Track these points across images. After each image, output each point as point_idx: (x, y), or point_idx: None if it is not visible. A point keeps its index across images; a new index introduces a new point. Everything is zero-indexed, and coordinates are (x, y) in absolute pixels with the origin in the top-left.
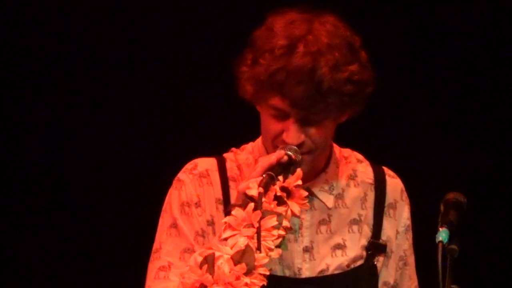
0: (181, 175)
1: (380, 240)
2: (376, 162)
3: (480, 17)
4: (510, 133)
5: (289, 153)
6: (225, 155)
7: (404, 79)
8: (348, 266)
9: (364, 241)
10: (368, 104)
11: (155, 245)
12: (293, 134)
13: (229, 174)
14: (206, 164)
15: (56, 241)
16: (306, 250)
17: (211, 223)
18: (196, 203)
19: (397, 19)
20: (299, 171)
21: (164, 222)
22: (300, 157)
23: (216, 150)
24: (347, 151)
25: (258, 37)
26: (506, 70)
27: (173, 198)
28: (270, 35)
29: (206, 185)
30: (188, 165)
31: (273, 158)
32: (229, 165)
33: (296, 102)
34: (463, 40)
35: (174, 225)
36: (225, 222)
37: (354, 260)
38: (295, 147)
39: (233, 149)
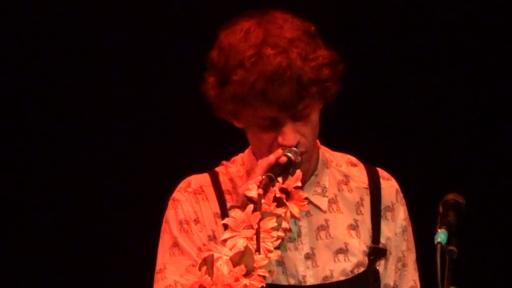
0: (175, 194)
1: (380, 245)
2: (372, 163)
3: (483, 18)
4: (510, 134)
5: (289, 154)
6: (217, 169)
7: (401, 79)
8: (352, 271)
9: (364, 247)
10: (366, 105)
11: (158, 266)
12: (289, 136)
13: (223, 187)
14: (200, 180)
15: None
16: (308, 257)
17: (212, 237)
18: (194, 220)
19: (394, 18)
20: (298, 172)
21: (164, 242)
22: (300, 158)
23: (208, 165)
24: (337, 154)
25: (218, 57)
26: (507, 69)
27: (171, 217)
28: (232, 51)
29: (202, 201)
30: (182, 184)
31: (271, 158)
32: (222, 178)
33: (283, 104)
34: (461, 39)
35: (176, 244)
36: (225, 224)
37: (357, 265)
38: (294, 149)
39: (224, 162)
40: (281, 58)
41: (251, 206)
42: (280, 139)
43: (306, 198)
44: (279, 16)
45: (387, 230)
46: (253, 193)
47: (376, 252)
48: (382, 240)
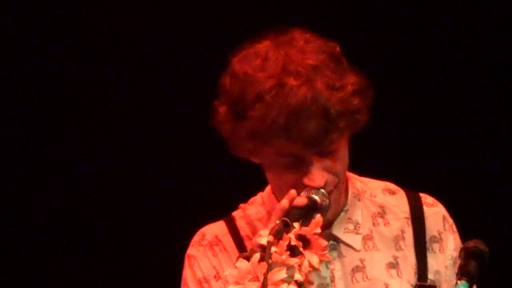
0: (190, 250)
1: (428, 281)
2: (413, 189)
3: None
4: None
5: (315, 197)
6: (234, 213)
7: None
8: None
9: (408, 286)
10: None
11: None
12: (316, 176)
13: (242, 233)
14: (214, 230)
15: None
16: None
17: None
18: (214, 276)
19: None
20: (318, 217)
21: None
22: (328, 201)
23: (225, 210)
24: (372, 182)
25: (231, 85)
26: None
27: (188, 277)
28: (248, 81)
29: (220, 252)
30: (196, 237)
31: (284, 202)
32: (239, 223)
33: (309, 141)
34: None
35: None
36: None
37: None
38: (322, 191)
39: (241, 205)
40: (305, 89)
41: (257, 255)
42: (306, 180)
43: (337, 238)
44: (298, 37)
45: (435, 264)
46: (263, 240)
47: None
48: (430, 275)
